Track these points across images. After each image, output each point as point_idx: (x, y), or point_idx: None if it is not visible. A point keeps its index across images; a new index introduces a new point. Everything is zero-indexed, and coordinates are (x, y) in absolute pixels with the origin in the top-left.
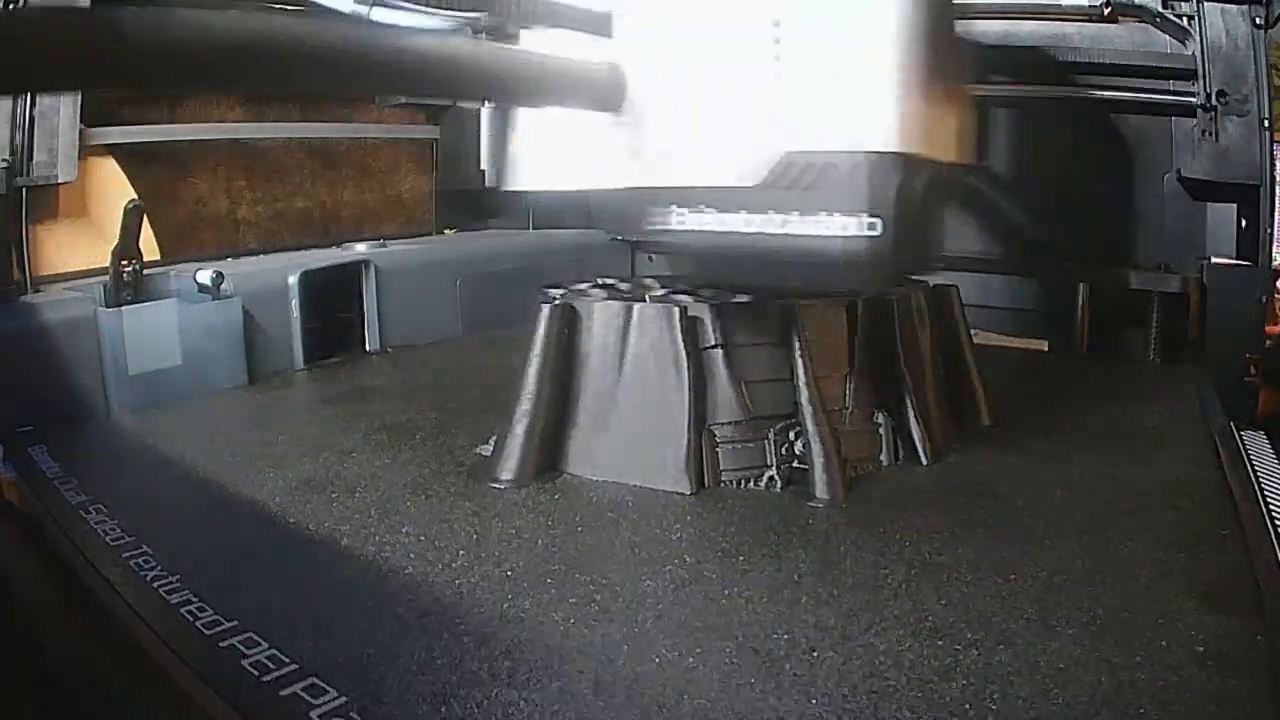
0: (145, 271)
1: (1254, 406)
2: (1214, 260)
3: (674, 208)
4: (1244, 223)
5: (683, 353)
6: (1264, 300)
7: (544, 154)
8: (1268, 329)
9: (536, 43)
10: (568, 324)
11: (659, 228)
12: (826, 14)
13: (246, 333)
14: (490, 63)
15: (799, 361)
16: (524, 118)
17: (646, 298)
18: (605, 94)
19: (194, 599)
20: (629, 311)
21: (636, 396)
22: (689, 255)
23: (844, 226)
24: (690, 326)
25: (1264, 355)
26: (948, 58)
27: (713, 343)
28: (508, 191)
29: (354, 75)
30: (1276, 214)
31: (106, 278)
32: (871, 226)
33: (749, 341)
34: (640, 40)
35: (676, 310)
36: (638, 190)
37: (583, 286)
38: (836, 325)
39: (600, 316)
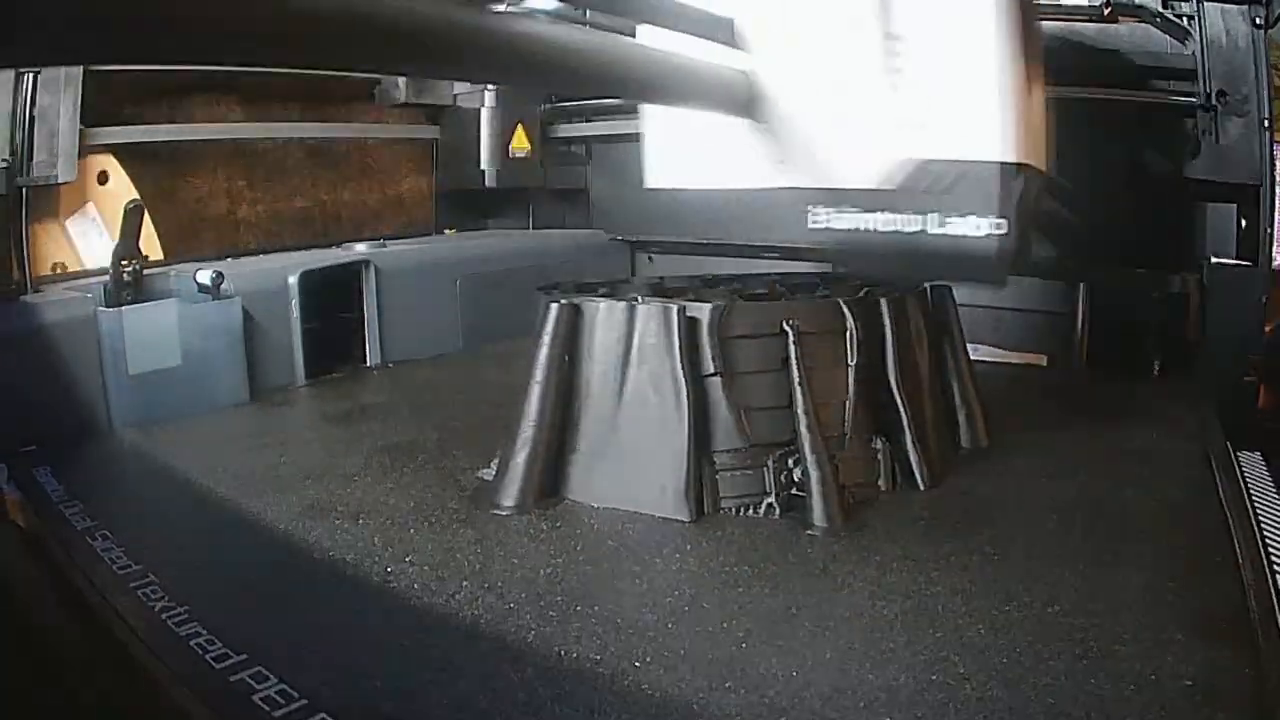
0: (145, 271)
1: (1254, 407)
2: (1214, 260)
3: (819, 208)
4: (1244, 223)
5: (683, 380)
6: (1264, 300)
7: (689, 153)
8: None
9: (654, 40)
10: (569, 348)
11: (808, 227)
12: (939, 25)
13: (247, 335)
14: (638, 60)
15: (798, 389)
16: (664, 117)
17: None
18: (740, 99)
19: (203, 631)
20: (629, 341)
21: (637, 424)
22: (833, 251)
23: (977, 227)
24: (691, 353)
25: (1264, 355)
26: (1038, 73)
27: (712, 370)
28: (506, 190)
29: (496, 64)
30: (1276, 214)
31: (106, 278)
32: (999, 227)
33: (748, 369)
34: (766, 50)
35: (677, 339)
36: (782, 191)
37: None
38: (836, 352)
39: (601, 344)
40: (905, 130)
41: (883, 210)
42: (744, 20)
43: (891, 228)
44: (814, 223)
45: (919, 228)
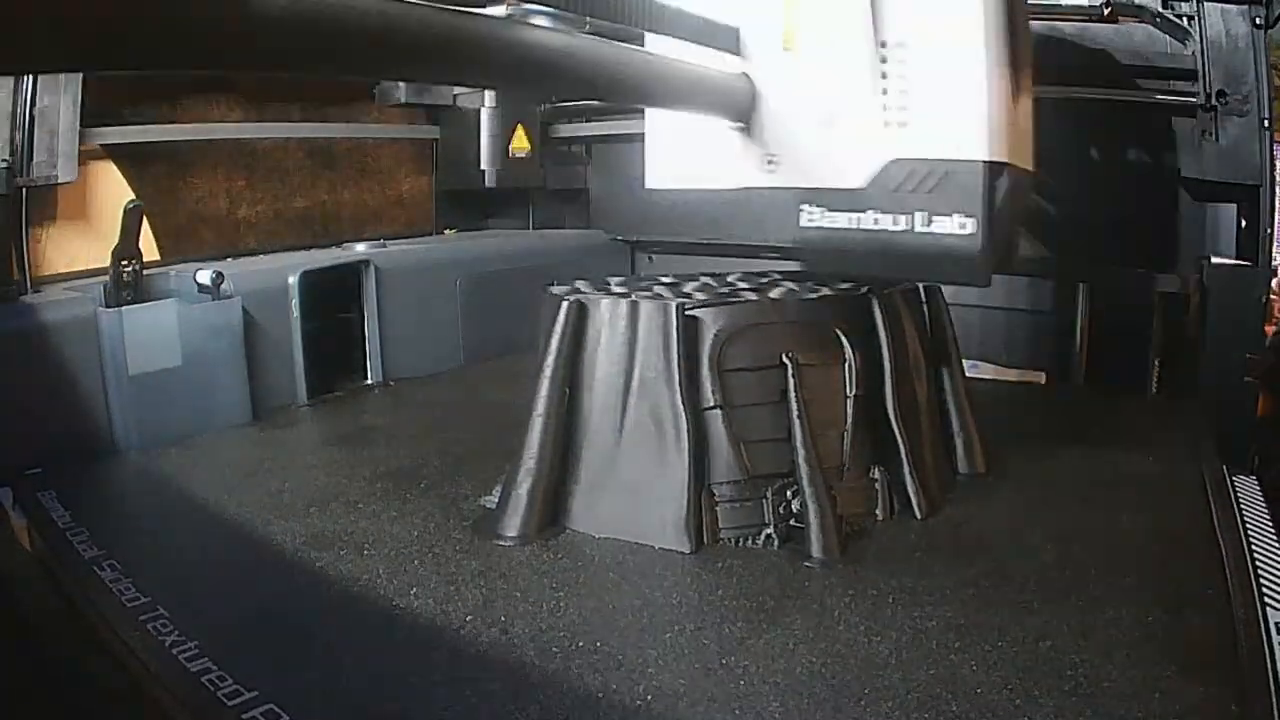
0: (145, 271)
1: (1253, 407)
2: (1214, 260)
3: (804, 207)
4: (1244, 223)
5: (683, 415)
6: (1264, 300)
7: (678, 155)
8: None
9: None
10: (572, 371)
11: (790, 226)
12: (929, 33)
13: (247, 337)
14: (641, 68)
15: (797, 422)
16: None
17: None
18: (738, 103)
19: (214, 667)
20: (629, 375)
21: (637, 456)
22: (810, 250)
23: (961, 225)
24: (690, 386)
25: (1263, 356)
26: (1025, 69)
27: (712, 404)
28: (506, 190)
29: (498, 69)
30: (1276, 214)
31: (106, 278)
32: (978, 226)
33: (747, 402)
34: (762, 55)
35: (677, 372)
36: (764, 192)
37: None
38: (834, 384)
39: (602, 376)
40: (891, 130)
41: (867, 209)
42: (744, 28)
43: (876, 226)
44: (805, 222)
45: (903, 227)
